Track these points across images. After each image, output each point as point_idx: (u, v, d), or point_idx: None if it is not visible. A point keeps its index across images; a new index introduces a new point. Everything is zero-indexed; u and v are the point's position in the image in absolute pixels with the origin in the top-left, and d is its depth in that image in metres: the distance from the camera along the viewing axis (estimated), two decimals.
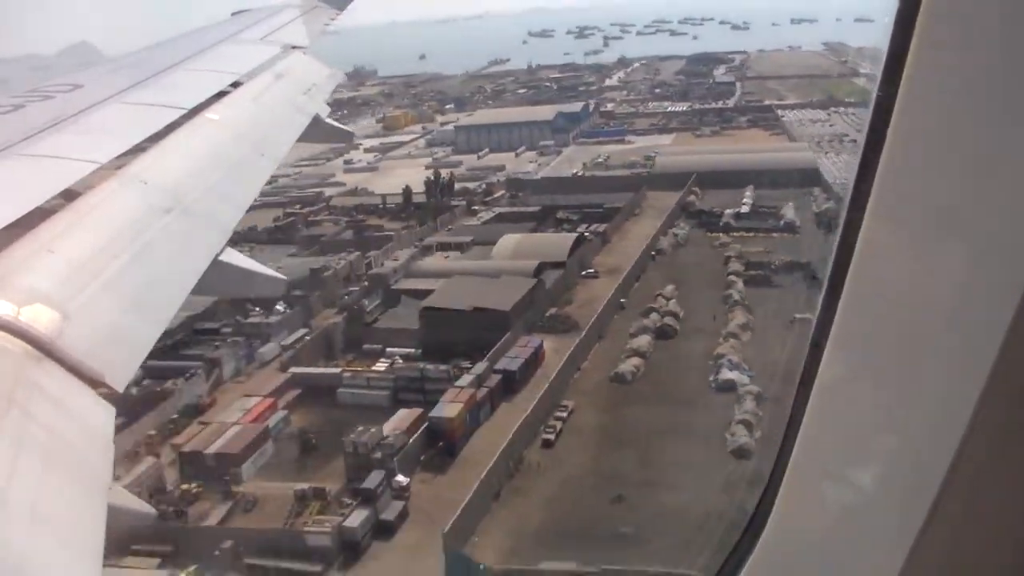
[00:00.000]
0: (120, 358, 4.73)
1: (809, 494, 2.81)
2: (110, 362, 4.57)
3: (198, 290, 5.91)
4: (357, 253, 79.89)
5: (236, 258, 6.87)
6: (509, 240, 79.18)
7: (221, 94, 8.94)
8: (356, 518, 43.62)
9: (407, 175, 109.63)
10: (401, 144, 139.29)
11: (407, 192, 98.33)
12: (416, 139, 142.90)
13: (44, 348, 4.29)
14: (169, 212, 6.33)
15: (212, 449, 49.76)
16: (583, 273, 72.90)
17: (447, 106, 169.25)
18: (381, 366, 59.41)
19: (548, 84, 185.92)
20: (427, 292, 67.42)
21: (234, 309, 67.02)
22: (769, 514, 2.89)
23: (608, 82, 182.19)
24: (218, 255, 6.43)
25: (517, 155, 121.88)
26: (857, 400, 2.58)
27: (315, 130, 10.49)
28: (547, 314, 65.00)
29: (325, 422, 53.36)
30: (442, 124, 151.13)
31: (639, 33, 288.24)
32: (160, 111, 7.88)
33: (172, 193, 6.59)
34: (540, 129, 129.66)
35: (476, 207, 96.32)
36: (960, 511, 2.21)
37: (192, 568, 42.01)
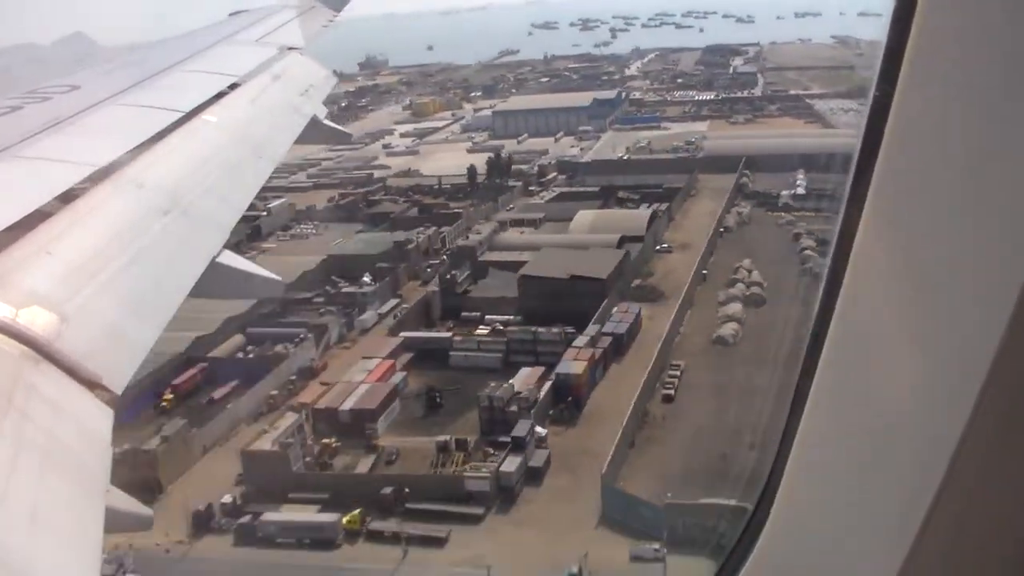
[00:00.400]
0: (118, 360, 4.73)
1: (809, 492, 2.81)
2: (108, 364, 4.57)
3: (195, 292, 5.91)
4: (433, 228, 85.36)
5: (233, 260, 6.86)
6: (585, 216, 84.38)
7: (219, 96, 8.93)
8: (511, 464, 47.69)
9: (448, 158, 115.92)
10: (435, 129, 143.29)
11: (472, 172, 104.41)
12: (449, 125, 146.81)
13: (42, 350, 4.29)
14: (167, 214, 6.32)
15: (346, 406, 54.14)
16: (657, 248, 78.07)
17: (472, 93, 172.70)
18: (483, 331, 65.02)
19: (567, 73, 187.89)
20: (513, 263, 73.03)
21: (322, 280, 74.34)
22: (769, 512, 2.89)
23: (628, 72, 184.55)
24: (215, 257, 6.42)
25: (556, 140, 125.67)
26: (856, 398, 2.58)
27: (313, 131, 10.48)
28: (633, 284, 70.44)
29: (441, 382, 58.47)
30: (475, 110, 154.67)
31: (644, 26, 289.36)
32: (157, 113, 7.87)
33: (170, 195, 6.59)
34: (576, 115, 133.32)
35: (532, 187, 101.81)
36: (960, 508, 2.21)
37: (356, 511, 46.49)
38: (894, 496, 2.42)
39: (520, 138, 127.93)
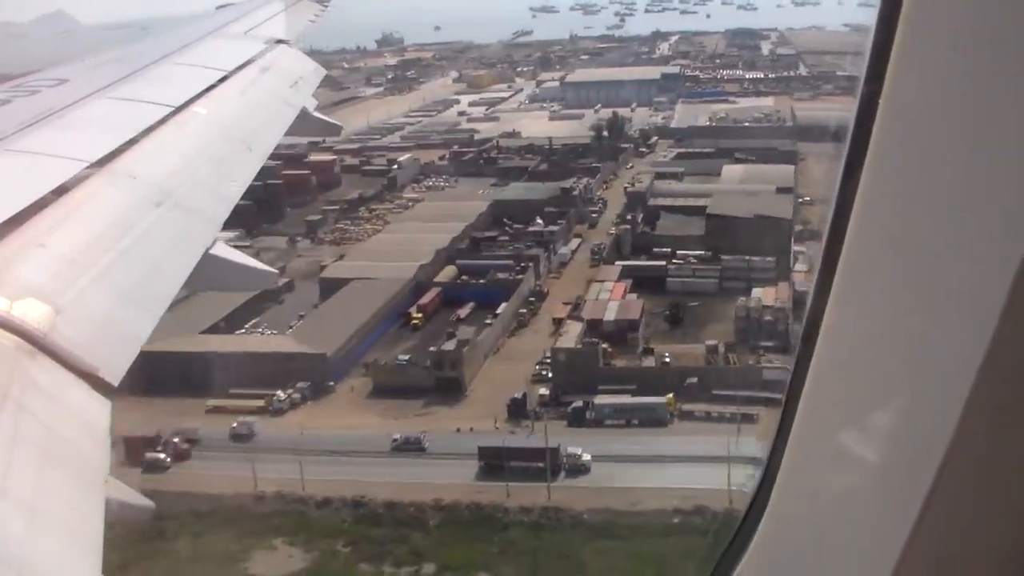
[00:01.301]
0: (113, 351, 4.73)
1: (804, 488, 2.80)
2: (103, 355, 4.57)
3: (189, 283, 5.91)
4: (586, 179, 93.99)
5: (226, 251, 6.86)
6: (733, 170, 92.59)
7: (208, 89, 8.90)
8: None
9: (533, 124, 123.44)
10: (501, 100, 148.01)
11: (599, 130, 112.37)
12: (512, 95, 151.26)
13: (37, 342, 4.28)
14: (159, 206, 6.31)
15: (609, 317, 62.96)
16: (799, 200, 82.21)
17: (520, 68, 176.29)
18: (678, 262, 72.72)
19: (598, 52, 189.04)
20: (681, 207, 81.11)
21: (493, 222, 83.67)
22: (765, 508, 2.90)
23: (660, 52, 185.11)
24: (208, 248, 6.42)
25: (632, 110, 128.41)
26: (850, 394, 2.58)
27: (303, 124, 10.46)
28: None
29: (663, 305, 66.04)
30: (537, 83, 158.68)
31: (647, 11, 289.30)
32: (147, 107, 7.85)
33: (162, 188, 6.58)
34: (647, 87, 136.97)
35: (641, 149, 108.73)
36: (956, 503, 2.22)
37: (669, 395, 54.28)
38: (889, 492, 2.43)
39: (595, 108, 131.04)
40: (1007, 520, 2.22)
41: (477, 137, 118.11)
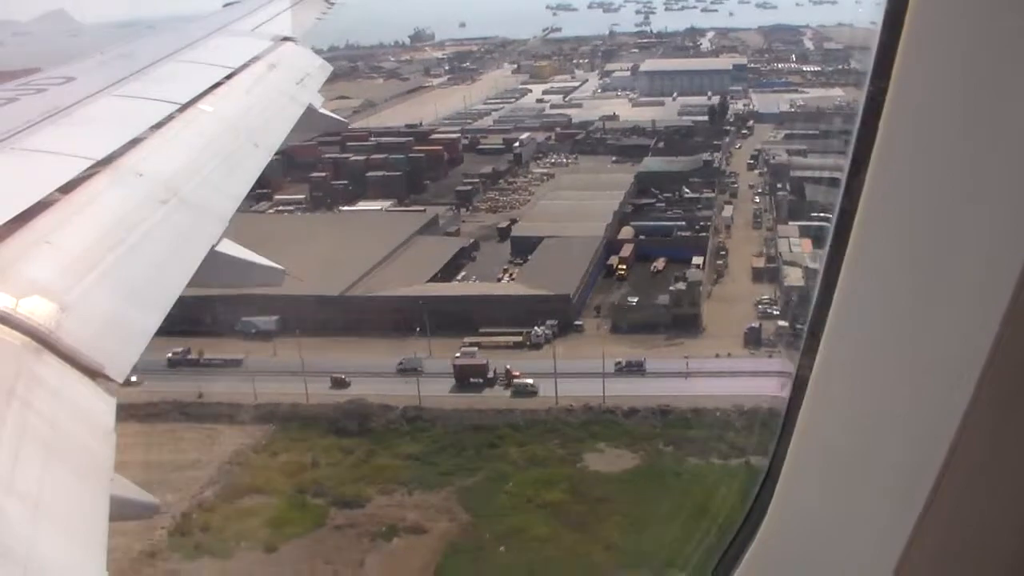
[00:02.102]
0: (119, 349, 4.73)
1: (807, 488, 2.80)
2: (109, 353, 4.57)
3: (195, 280, 5.91)
4: (706, 154, 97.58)
5: (233, 249, 6.86)
6: None
7: (214, 86, 8.92)
8: None
9: (617, 109, 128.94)
10: (572, 88, 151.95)
11: (712, 113, 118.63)
12: (580, 85, 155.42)
13: (43, 340, 4.29)
14: (165, 204, 6.32)
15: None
16: None
17: (577, 61, 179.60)
18: None
19: (645, 46, 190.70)
20: (817, 179, 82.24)
21: (641, 191, 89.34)
22: (768, 506, 2.89)
23: (702, 47, 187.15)
24: (215, 246, 6.42)
25: (709, 98, 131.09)
26: (853, 395, 2.57)
27: (309, 120, 10.47)
28: None
29: None
30: (602, 73, 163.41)
31: (667, 9, 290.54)
32: (154, 104, 7.87)
33: (168, 185, 6.58)
34: (720, 77, 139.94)
35: (743, 131, 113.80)
36: (958, 503, 2.21)
37: None
38: (891, 493, 2.42)
39: (673, 96, 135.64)
40: (1009, 522, 2.22)
41: (575, 121, 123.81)
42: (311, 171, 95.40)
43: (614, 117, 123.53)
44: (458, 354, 60.34)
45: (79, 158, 6.20)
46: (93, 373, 4.38)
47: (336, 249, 71.79)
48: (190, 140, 7.65)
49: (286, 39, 11.93)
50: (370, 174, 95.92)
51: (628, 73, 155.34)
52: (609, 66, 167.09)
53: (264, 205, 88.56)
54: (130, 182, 6.38)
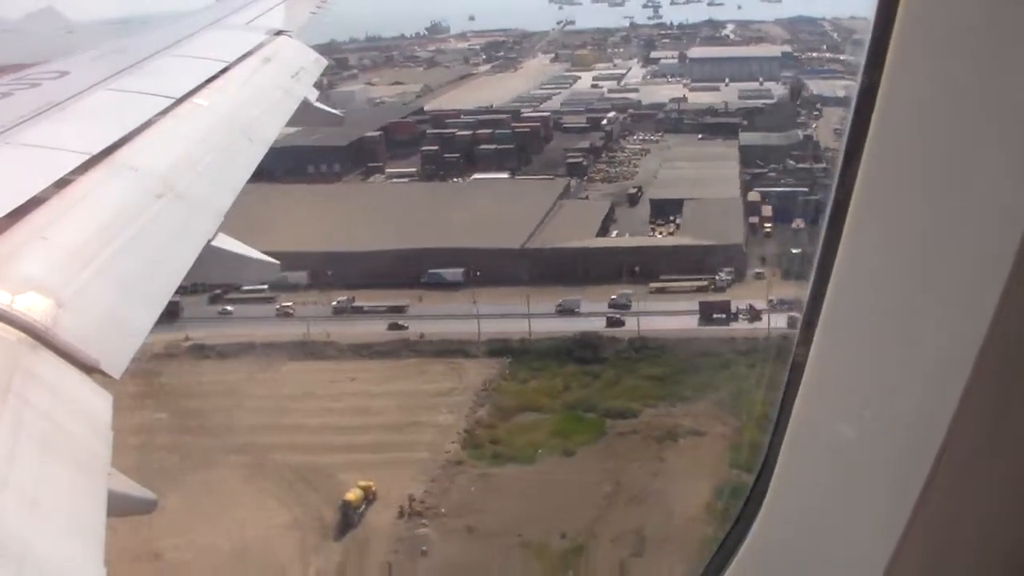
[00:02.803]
0: (116, 344, 4.73)
1: (800, 485, 2.80)
2: (106, 348, 4.56)
3: (191, 275, 5.90)
4: (798, 131, 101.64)
5: (229, 243, 6.86)
6: None
7: (209, 80, 8.90)
8: None
9: (678, 92, 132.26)
10: (620, 75, 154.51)
11: (793, 91, 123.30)
12: (626, 72, 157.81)
13: (39, 336, 4.28)
14: (161, 198, 6.31)
15: None
16: None
17: (612, 50, 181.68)
18: None
19: (666, 39, 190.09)
20: None
21: (752, 164, 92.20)
22: (760, 505, 2.89)
23: (732, 38, 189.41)
24: (210, 240, 6.41)
25: (761, 84, 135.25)
26: (846, 391, 2.57)
27: (305, 114, 10.46)
28: None
29: None
30: (645, 60, 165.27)
31: (672, 3, 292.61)
32: (149, 98, 7.85)
33: (163, 180, 6.57)
34: (769, 64, 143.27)
35: (815, 112, 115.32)
36: (950, 500, 2.22)
37: None
38: (884, 490, 2.42)
39: (724, 81, 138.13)
40: (1001, 516, 2.23)
41: (644, 103, 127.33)
42: (410, 147, 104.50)
43: (684, 99, 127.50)
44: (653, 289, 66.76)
45: (74, 153, 6.18)
46: (89, 369, 4.37)
47: (495, 210, 78.86)
48: (185, 134, 7.64)
49: (280, 33, 11.91)
50: (481, 147, 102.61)
51: (674, 61, 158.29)
52: (653, 54, 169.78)
53: (379, 177, 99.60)
54: (125, 177, 6.36)
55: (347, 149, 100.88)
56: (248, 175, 7.80)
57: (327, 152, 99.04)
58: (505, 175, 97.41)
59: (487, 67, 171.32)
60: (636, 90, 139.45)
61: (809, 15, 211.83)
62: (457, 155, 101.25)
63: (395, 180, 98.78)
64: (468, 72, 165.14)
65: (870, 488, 2.53)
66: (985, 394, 2.06)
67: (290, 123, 9.78)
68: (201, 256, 6.13)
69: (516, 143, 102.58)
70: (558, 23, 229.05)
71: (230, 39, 11.08)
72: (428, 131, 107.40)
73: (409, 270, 69.26)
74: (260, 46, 10.94)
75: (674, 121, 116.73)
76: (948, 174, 2.11)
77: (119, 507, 4.07)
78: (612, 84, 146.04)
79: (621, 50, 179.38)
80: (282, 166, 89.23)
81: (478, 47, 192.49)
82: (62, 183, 5.78)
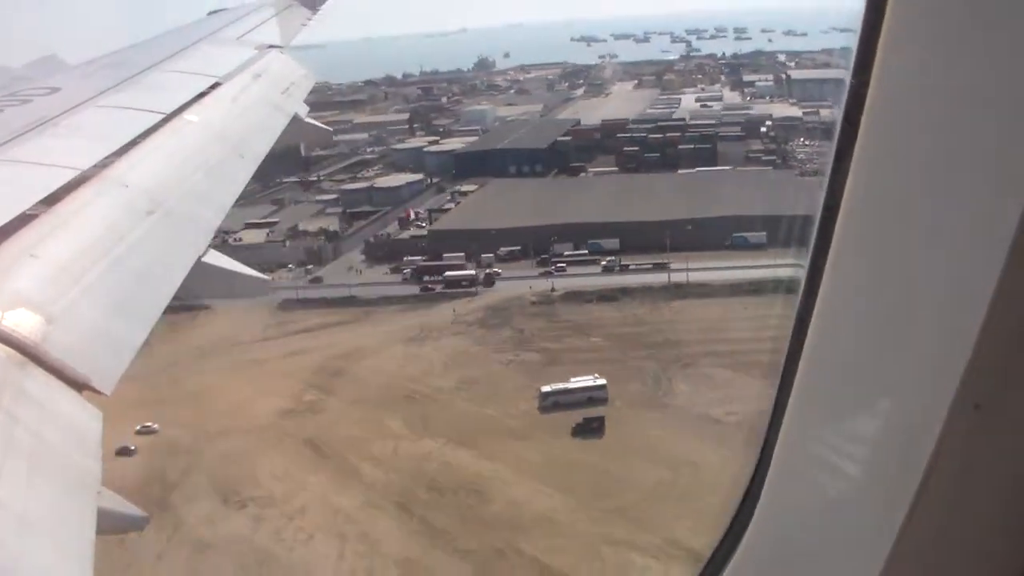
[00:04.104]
0: (106, 361, 4.72)
1: (794, 489, 2.79)
2: (96, 365, 4.55)
3: (182, 291, 5.89)
4: None
5: (219, 259, 6.85)
6: None
7: (200, 95, 8.90)
8: None
9: (788, 110, 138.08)
10: (718, 96, 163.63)
11: None
12: (721, 94, 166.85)
13: (29, 353, 4.27)
14: (151, 215, 6.30)
15: None
16: None
17: (694, 76, 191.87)
18: None
19: (736, 66, 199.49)
20: None
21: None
22: (755, 509, 2.89)
23: (794, 64, 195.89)
24: (201, 256, 6.40)
25: None
26: (839, 394, 2.57)
27: (295, 129, 10.45)
28: None
29: None
30: (735, 83, 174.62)
31: (699, 39, 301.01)
32: (139, 114, 7.84)
33: (153, 196, 6.56)
34: None
35: None
36: (944, 503, 2.21)
37: None
38: (878, 493, 2.42)
39: (828, 101, 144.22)
40: (997, 518, 2.23)
41: (775, 116, 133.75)
42: (590, 151, 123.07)
43: (816, 112, 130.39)
44: None
45: (65, 169, 6.17)
46: (80, 386, 4.36)
47: (748, 194, 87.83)
48: (176, 151, 7.63)
49: (271, 47, 11.92)
50: (680, 147, 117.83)
51: (770, 83, 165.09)
52: (746, 78, 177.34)
53: (588, 174, 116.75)
54: (116, 193, 6.36)
55: (545, 152, 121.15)
56: (239, 191, 7.80)
57: (528, 154, 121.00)
58: (727, 167, 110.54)
59: (579, 92, 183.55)
60: (749, 108, 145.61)
61: (844, 45, 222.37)
62: (657, 154, 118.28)
63: (601, 174, 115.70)
64: (568, 96, 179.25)
65: (865, 490, 2.53)
66: (978, 395, 2.07)
67: (280, 138, 9.76)
68: (192, 272, 6.12)
69: (704, 144, 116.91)
70: (600, 57, 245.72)
71: (222, 53, 11.08)
72: (618, 135, 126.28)
73: (705, 236, 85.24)
74: (251, 61, 10.95)
75: (822, 131, 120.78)
76: (938, 176, 2.12)
77: (109, 525, 4.06)
78: (718, 105, 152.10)
79: (698, 76, 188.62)
80: (489, 166, 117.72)
81: (550, 77, 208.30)
82: (52, 199, 5.77)
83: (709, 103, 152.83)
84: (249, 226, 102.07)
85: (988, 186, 1.99)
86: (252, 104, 9.87)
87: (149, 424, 61.11)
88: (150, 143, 7.38)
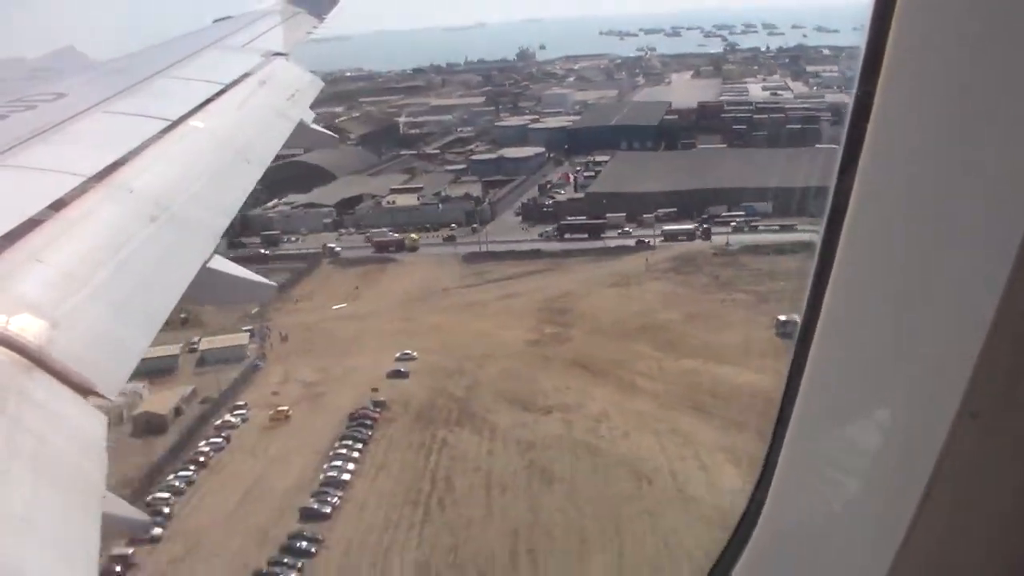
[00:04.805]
0: (111, 366, 4.71)
1: (801, 490, 2.80)
2: (101, 370, 4.54)
3: (187, 297, 5.89)
4: None
5: (225, 265, 6.85)
6: None
7: (206, 102, 8.92)
8: None
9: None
10: (783, 86, 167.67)
11: None
12: (779, 84, 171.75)
13: (33, 358, 4.26)
14: (156, 220, 6.30)
15: None
16: None
17: (752, 67, 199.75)
18: None
19: (786, 59, 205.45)
20: None
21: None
22: (761, 510, 2.88)
23: (842, 57, 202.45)
24: (206, 262, 6.40)
25: None
26: (846, 396, 2.57)
27: (300, 135, 10.49)
28: None
29: None
30: (797, 73, 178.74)
31: (731, 33, 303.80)
32: (145, 121, 7.85)
33: (159, 201, 6.56)
34: None
35: None
36: (951, 504, 2.21)
37: None
38: (885, 495, 2.42)
39: None
40: (1004, 520, 2.23)
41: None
42: (691, 130, 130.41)
43: None
44: None
45: (70, 175, 6.18)
46: (84, 390, 4.35)
47: None
48: (181, 156, 7.65)
49: (277, 55, 11.96)
50: (789, 127, 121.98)
51: (836, 74, 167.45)
52: (809, 68, 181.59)
53: (698, 148, 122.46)
54: (121, 199, 6.36)
55: (654, 129, 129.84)
56: (245, 196, 7.81)
57: (640, 131, 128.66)
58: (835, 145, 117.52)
59: (640, 80, 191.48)
60: (821, 96, 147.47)
61: None
62: (764, 132, 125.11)
63: (712, 149, 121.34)
64: (633, 83, 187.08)
65: (872, 491, 2.53)
66: (986, 396, 2.06)
67: (286, 145, 9.79)
68: (197, 278, 6.12)
69: (810, 124, 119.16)
70: (639, 50, 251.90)
71: (227, 60, 11.12)
72: (721, 115, 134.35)
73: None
74: (257, 68, 10.97)
75: None
76: (945, 177, 2.12)
77: (113, 530, 4.05)
78: (787, 93, 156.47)
79: (755, 67, 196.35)
80: (602, 141, 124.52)
81: (601, 67, 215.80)
82: (58, 205, 5.78)
83: (778, 92, 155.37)
84: (395, 191, 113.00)
85: (996, 188, 1.99)
86: (258, 110, 9.89)
87: (408, 352, 69.74)
88: (155, 149, 7.39)
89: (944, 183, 2.12)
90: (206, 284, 6.35)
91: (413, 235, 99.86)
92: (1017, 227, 1.92)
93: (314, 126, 11.65)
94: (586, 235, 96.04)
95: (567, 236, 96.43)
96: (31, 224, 5.38)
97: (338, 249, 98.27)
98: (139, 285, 5.65)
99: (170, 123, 7.93)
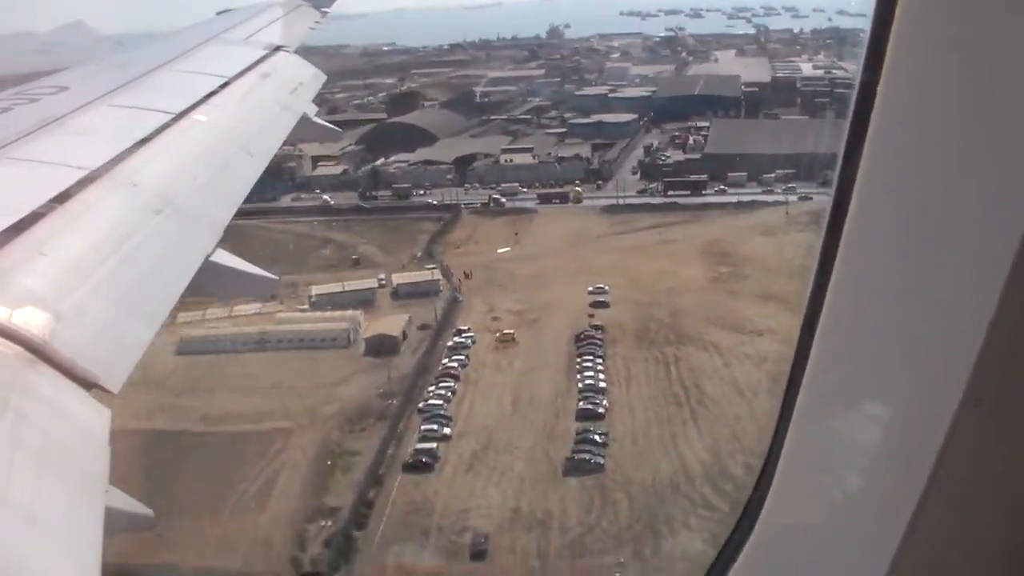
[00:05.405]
0: (114, 359, 4.71)
1: (801, 488, 2.80)
2: (104, 363, 4.54)
3: (190, 290, 5.89)
4: None
5: (228, 259, 6.84)
6: None
7: (209, 95, 8.91)
8: None
9: None
10: (837, 66, 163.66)
11: None
12: (829, 63, 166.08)
13: (37, 350, 4.27)
14: (160, 213, 6.30)
15: None
16: None
17: (793, 47, 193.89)
18: None
19: (821, 40, 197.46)
20: None
21: None
22: (762, 508, 2.88)
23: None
24: (209, 255, 6.40)
25: None
26: (847, 390, 2.57)
27: (303, 128, 10.48)
28: None
29: None
30: (842, 54, 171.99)
31: (755, 16, 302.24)
32: (148, 114, 7.86)
33: (162, 195, 6.56)
34: None
35: None
36: (951, 501, 2.22)
37: None
38: (884, 493, 2.42)
39: None
40: (1003, 517, 2.23)
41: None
42: (771, 103, 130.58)
43: None
44: None
45: (73, 168, 6.18)
46: (88, 384, 4.36)
47: None
48: (184, 150, 7.64)
49: (279, 48, 11.94)
50: None
51: None
52: (855, 49, 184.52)
53: (780, 118, 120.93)
54: (124, 192, 6.36)
55: (736, 100, 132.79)
56: (248, 190, 7.80)
57: (725, 101, 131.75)
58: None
59: (688, 58, 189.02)
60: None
61: None
62: (844, 105, 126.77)
63: (795, 119, 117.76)
64: (685, 61, 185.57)
65: (872, 487, 2.53)
66: (985, 394, 2.06)
67: (289, 138, 9.78)
68: (200, 271, 6.12)
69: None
70: (668, 30, 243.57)
71: (230, 54, 11.11)
72: (797, 87, 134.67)
73: None
74: (259, 61, 10.96)
75: None
76: (947, 174, 2.12)
77: (117, 523, 4.06)
78: (840, 72, 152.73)
79: (798, 47, 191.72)
80: (689, 110, 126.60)
81: (640, 44, 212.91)
82: (61, 198, 5.77)
83: (832, 70, 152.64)
84: (506, 151, 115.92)
85: (998, 185, 1.99)
86: (260, 104, 9.88)
87: (600, 286, 71.94)
88: (159, 142, 7.39)
89: (947, 176, 2.12)
90: (210, 277, 6.35)
91: (577, 187, 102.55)
92: (1020, 220, 1.92)
93: (316, 119, 11.63)
94: (688, 192, 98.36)
95: (670, 193, 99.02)
96: (35, 217, 5.38)
97: (503, 200, 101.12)
98: (142, 278, 5.65)
99: (173, 116, 7.93)
